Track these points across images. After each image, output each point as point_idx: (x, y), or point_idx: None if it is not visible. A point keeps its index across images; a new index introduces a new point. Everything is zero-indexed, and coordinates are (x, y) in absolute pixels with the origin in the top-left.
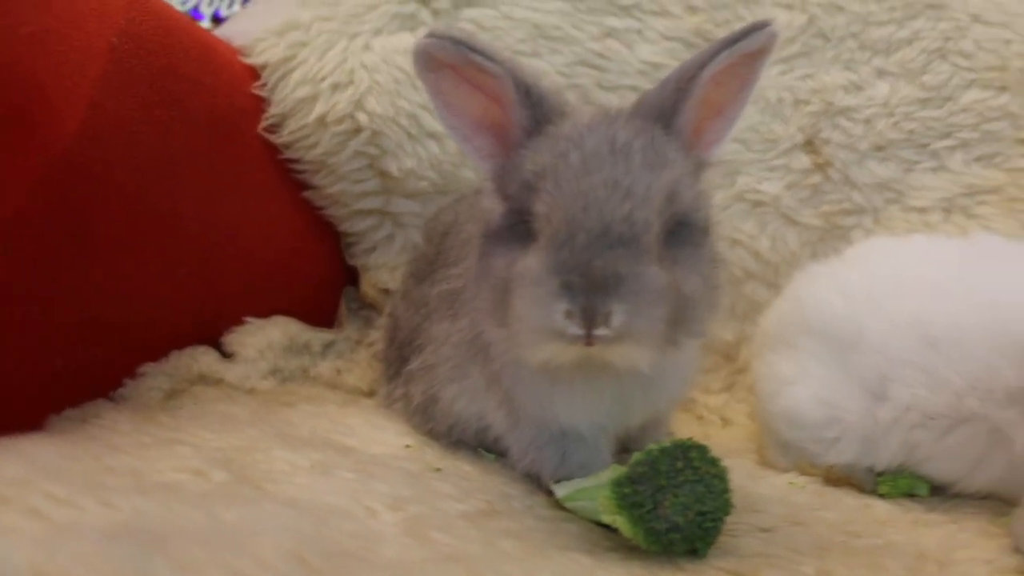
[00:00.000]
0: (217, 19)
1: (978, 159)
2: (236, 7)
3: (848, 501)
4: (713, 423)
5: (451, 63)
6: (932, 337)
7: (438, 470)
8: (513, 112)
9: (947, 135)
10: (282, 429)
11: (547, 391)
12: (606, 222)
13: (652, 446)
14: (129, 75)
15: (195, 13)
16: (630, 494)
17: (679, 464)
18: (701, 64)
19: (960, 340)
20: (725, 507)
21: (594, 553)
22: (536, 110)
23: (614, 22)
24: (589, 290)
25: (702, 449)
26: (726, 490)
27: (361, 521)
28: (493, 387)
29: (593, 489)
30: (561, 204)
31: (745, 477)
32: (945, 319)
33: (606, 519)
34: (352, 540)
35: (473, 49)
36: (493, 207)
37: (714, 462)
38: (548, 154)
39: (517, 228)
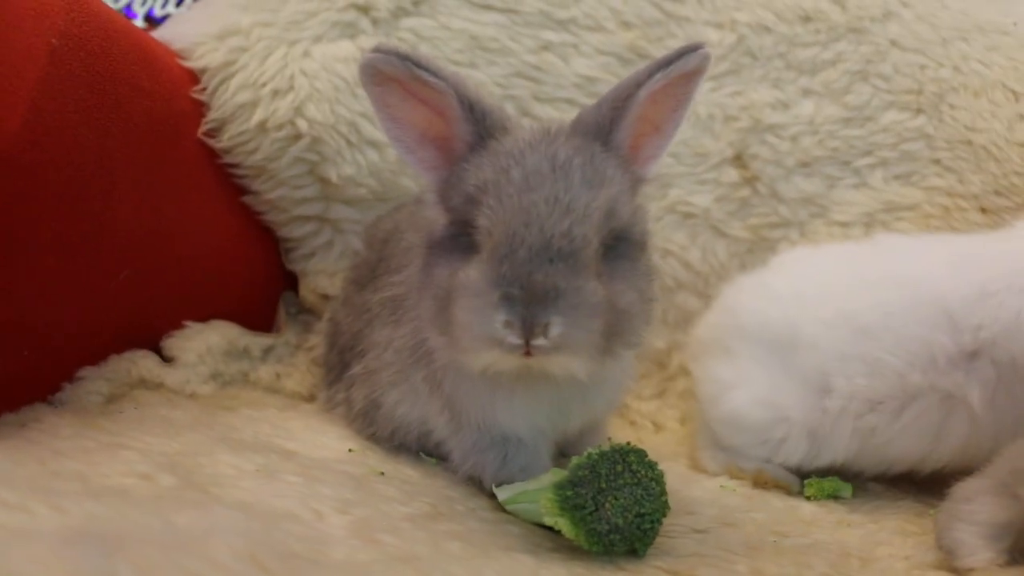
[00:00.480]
0: (151, 19)
1: (896, 177)
2: (170, 7)
3: (776, 503)
4: (645, 428)
5: (397, 77)
6: (863, 326)
7: (381, 474)
8: (457, 127)
9: (868, 153)
10: (225, 433)
11: (488, 397)
12: (547, 237)
13: (592, 450)
14: (69, 78)
15: (127, 11)
16: (572, 497)
17: (619, 468)
18: (637, 83)
19: (889, 324)
20: (663, 508)
21: (537, 553)
22: (479, 125)
23: (551, 36)
24: (528, 302)
25: (640, 453)
26: (663, 492)
27: (309, 524)
28: (435, 392)
29: (534, 492)
30: (503, 219)
31: (678, 480)
32: (872, 308)
33: (548, 521)
34: (301, 543)
35: (419, 64)
36: (436, 218)
37: (651, 466)
38: (490, 169)
39: (460, 239)
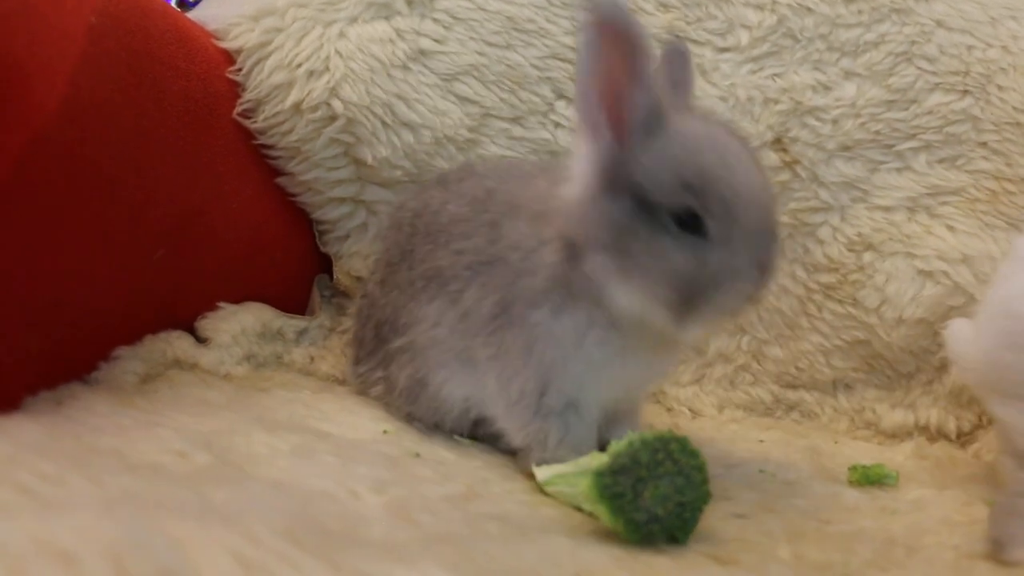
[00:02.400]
0: (183, 2)
1: (941, 160)
2: None
3: (818, 489)
4: (683, 414)
5: (620, 32)
6: None
7: (417, 455)
8: (639, 97)
9: (912, 136)
10: (260, 414)
11: (587, 364)
12: (772, 222)
13: (633, 437)
14: (107, 56)
15: None
16: (611, 484)
17: (659, 456)
18: None
19: None
20: (704, 497)
21: (575, 536)
22: (657, 104)
23: None
24: (761, 283)
25: (682, 441)
26: (705, 481)
27: (345, 503)
28: (506, 362)
29: (573, 475)
30: (743, 207)
31: (717, 465)
32: None
33: (587, 507)
34: (339, 521)
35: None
36: (611, 203)
37: (694, 454)
38: (708, 156)
39: (666, 221)
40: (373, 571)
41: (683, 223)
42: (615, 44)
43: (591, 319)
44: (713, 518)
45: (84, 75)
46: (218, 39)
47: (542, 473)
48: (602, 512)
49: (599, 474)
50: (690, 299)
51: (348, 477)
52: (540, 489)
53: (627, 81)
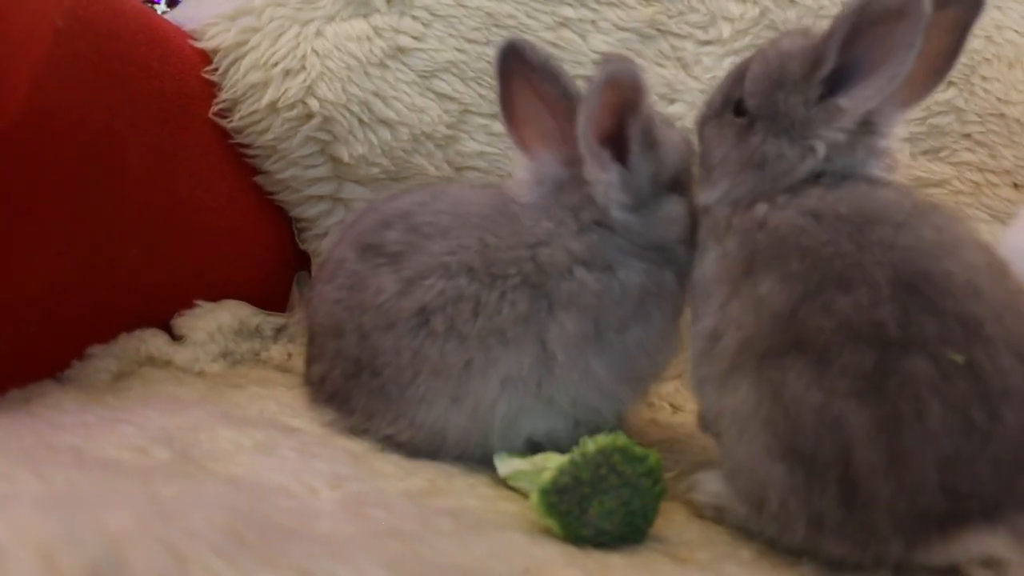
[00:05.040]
0: (173, 2)
1: (925, 152)
2: None
3: None
4: (663, 409)
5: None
6: None
7: (382, 449)
8: (637, 129)
9: None
10: (228, 410)
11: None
12: None
13: (575, 453)
14: (75, 58)
15: None
16: (556, 503)
17: (602, 471)
18: None
19: None
20: (655, 500)
21: (531, 532)
22: None
23: (568, 12)
24: None
25: (625, 450)
26: (656, 482)
27: (300, 498)
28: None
29: (532, 473)
30: None
31: (691, 464)
32: None
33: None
34: (288, 516)
35: None
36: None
37: (640, 460)
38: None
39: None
40: (311, 567)
41: None
42: (619, 92)
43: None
44: (679, 516)
45: (49, 78)
46: (195, 39)
47: (502, 468)
48: (552, 525)
49: (544, 491)
50: None
51: (307, 472)
52: (504, 482)
53: (628, 116)
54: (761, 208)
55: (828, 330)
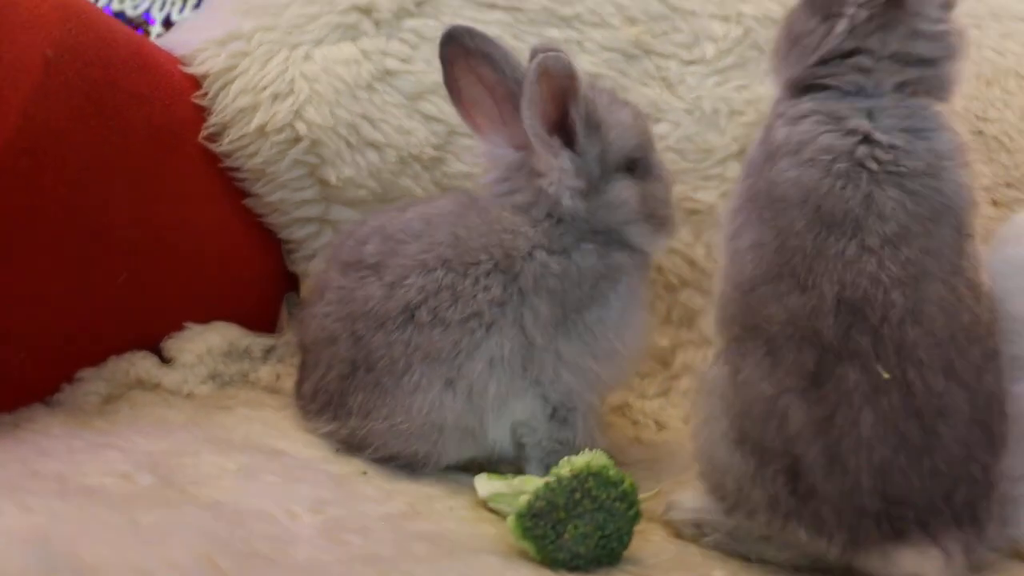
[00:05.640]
0: (169, 24)
1: None
2: (187, 12)
3: None
4: (648, 427)
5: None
6: None
7: (364, 473)
8: (579, 113)
9: None
10: (215, 433)
11: None
12: None
13: (550, 478)
14: (64, 87)
15: (146, 16)
16: (531, 527)
17: (576, 496)
18: None
19: None
20: (630, 524)
21: (507, 555)
22: None
23: (554, 32)
24: None
25: (600, 475)
26: (631, 506)
27: (280, 524)
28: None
29: (510, 496)
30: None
31: (671, 484)
32: None
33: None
34: (266, 542)
35: None
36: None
37: (615, 484)
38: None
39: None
40: None
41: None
42: (554, 81)
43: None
44: (656, 537)
45: (38, 106)
46: (185, 65)
47: (481, 489)
48: (528, 548)
49: (519, 515)
50: None
51: (288, 497)
52: (484, 504)
53: (568, 103)
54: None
55: (779, 322)
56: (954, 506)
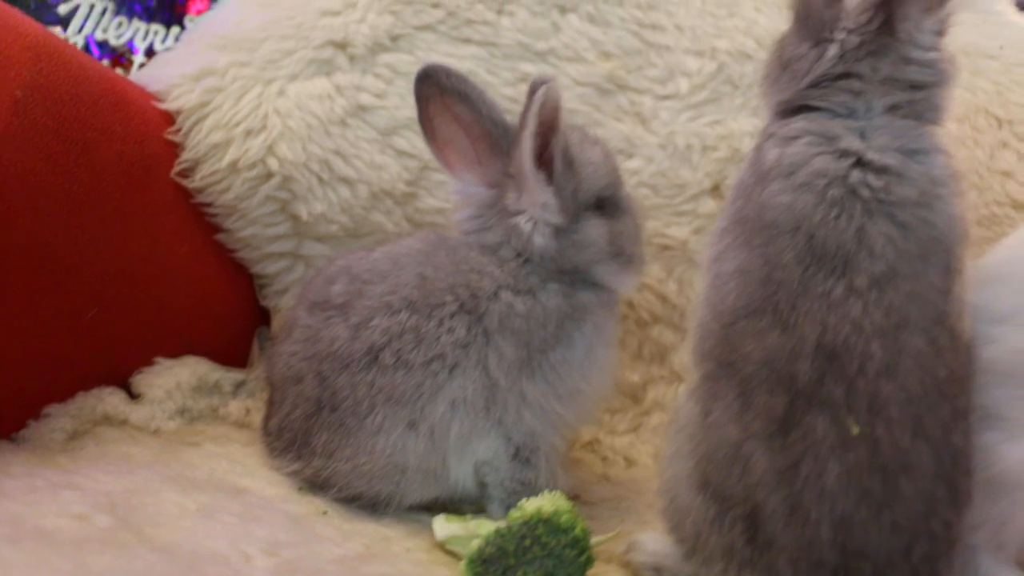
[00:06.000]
0: (152, 53)
1: None
2: (170, 41)
3: None
4: (617, 464)
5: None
6: None
7: (324, 513)
8: (558, 151)
9: None
10: (179, 471)
11: None
12: None
13: (501, 524)
14: (33, 126)
15: (130, 45)
16: (482, 572)
17: (526, 542)
18: None
19: None
20: (581, 570)
21: None
22: None
23: (528, 67)
24: None
25: (551, 522)
26: (581, 552)
27: (232, 567)
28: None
29: (466, 538)
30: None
31: (636, 523)
32: None
33: None
34: None
35: None
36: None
37: (565, 531)
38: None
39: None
40: None
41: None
42: (547, 115)
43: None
44: None
45: (7, 146)
46: (159, 101)
47: (439, 531)
48: None
49: (471, 560)
50: None
51: (245, 538)
52: (441, 546)
53: (550, 137)
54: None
55: (755, 362)
56: (912, 561)
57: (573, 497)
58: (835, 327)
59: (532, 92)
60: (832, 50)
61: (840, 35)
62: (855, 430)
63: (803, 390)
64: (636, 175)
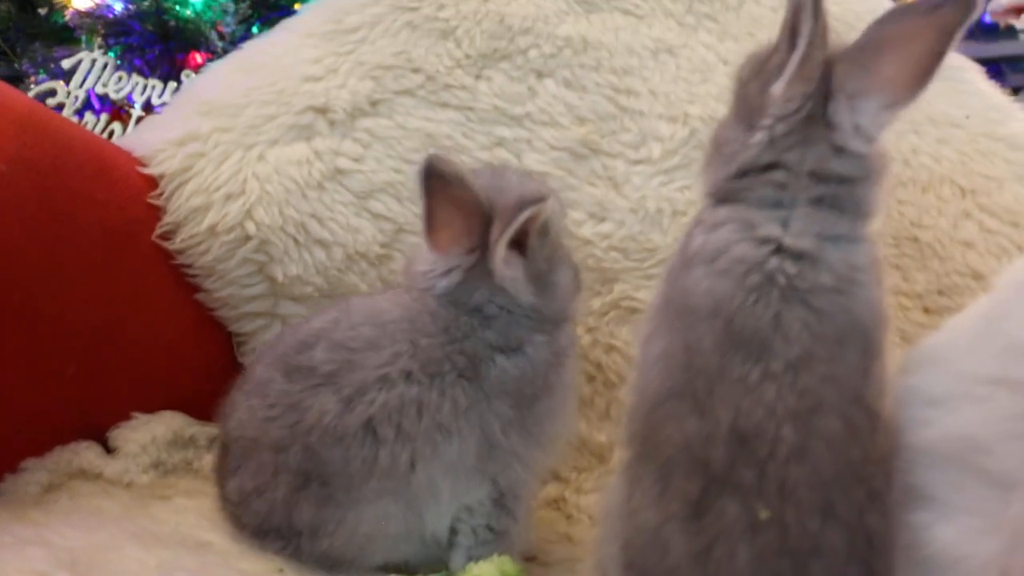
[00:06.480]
0: (149, 106)
1: None
2: (167, 95)
3: None
4: (582, 522)
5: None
6: None
7: (280, 570)
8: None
9: None
10: (145, 526)
11: None
12: None
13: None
14: (17, 198)
15: (129, 99)
16: None
17: None
18: None
19: None
20: None
21: None
22: None
23: (504, 132)
24: None
25: None
26: None
27: None
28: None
29: None
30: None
31: None
32: None
33: None
34: None
35: None
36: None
37: None
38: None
39: None
40: None
41: None
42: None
43: None
44: None
45: None
46: (143, 166)
47: None
48: None
49: None
50: None
51: None
52: None
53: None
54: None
55: (674, 445)
56: None
57: (530, 559)
58: (748, 412)
59: (520, 208)
60: (759, 136)
61: (769, 121)
62: (763, 514)
63: (716, 475)
64: (607, 239)
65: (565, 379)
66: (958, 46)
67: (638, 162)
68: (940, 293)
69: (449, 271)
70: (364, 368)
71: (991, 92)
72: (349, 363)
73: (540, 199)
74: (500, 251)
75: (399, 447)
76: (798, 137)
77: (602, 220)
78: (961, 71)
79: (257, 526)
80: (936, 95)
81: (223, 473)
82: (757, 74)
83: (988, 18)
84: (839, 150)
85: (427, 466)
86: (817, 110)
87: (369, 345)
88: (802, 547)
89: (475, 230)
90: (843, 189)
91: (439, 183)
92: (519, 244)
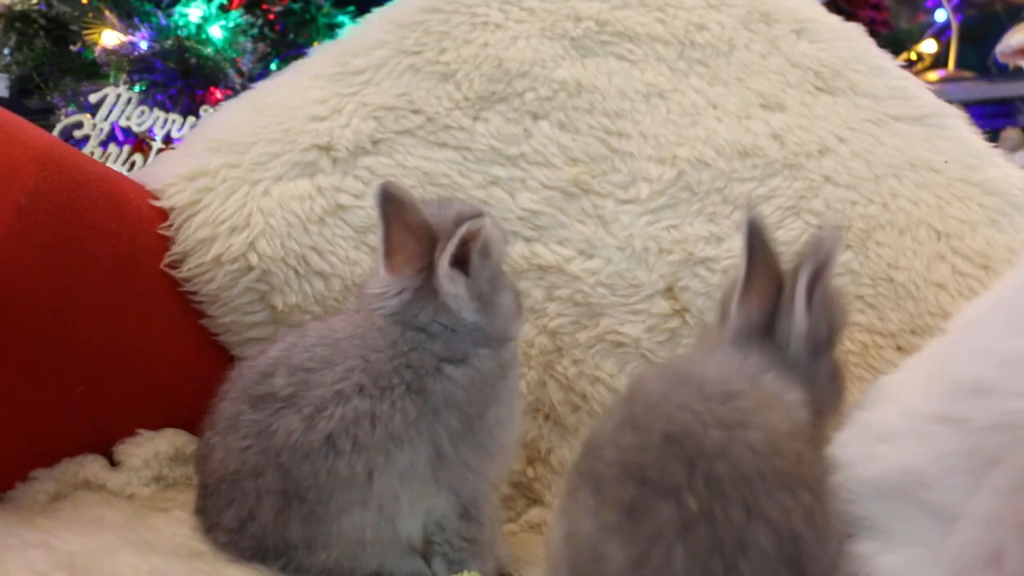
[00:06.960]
0: (169, 139)
1: None
2: (185, 129)
3: None
4: None
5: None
6: None
7: None
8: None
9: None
10: (142, 534)
11: None
12: None
13: None
14: (35, 229)
15: (150, 132)
16: None
17: None
18: None
19: None
20: None
21: None
22: None
23: (499, 171)
24: None
25: None
26: None
27: None
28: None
29: None
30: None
31: None
32: None
33: None
34: None
35: None
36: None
37: None
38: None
39: None
40: None
41: None
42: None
43: None
44: None
45: (9, 245)
46: (155, 199)
47: None
48: None
49: None
50: None
51: None
52: None
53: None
54: None
55: (608, 461)
56: None
57: None
58: (679, 419)
59: (458, 223)
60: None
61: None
62: (692, 503)
63: (648, 478)
64: (595, 275)
65: (511, 388)
66: (974, 86)
67: (627, 202)
68: (913, 333)
69: (400, 292)
70: (321, 385)
71: (972, 138)
72: (306, 383)
73: (477, 214)
74: (444, 266)
75: (355, 457)
76: None
77: (591, 256)
78: (945, 117)
79: (255, 548)
80: (918, 140)
81: (207, 514)
82: None
83: (999, 60)
84: None
85: (383, 474)
86: None
87: (324, 363)
88: (730, 541)
89: (424, 252)
90: None
91: (394, 208)
92: (462, 264)
